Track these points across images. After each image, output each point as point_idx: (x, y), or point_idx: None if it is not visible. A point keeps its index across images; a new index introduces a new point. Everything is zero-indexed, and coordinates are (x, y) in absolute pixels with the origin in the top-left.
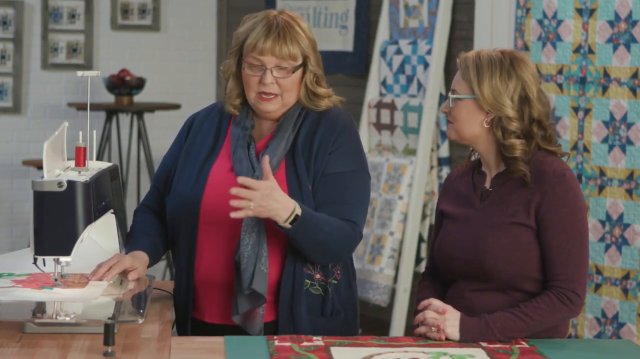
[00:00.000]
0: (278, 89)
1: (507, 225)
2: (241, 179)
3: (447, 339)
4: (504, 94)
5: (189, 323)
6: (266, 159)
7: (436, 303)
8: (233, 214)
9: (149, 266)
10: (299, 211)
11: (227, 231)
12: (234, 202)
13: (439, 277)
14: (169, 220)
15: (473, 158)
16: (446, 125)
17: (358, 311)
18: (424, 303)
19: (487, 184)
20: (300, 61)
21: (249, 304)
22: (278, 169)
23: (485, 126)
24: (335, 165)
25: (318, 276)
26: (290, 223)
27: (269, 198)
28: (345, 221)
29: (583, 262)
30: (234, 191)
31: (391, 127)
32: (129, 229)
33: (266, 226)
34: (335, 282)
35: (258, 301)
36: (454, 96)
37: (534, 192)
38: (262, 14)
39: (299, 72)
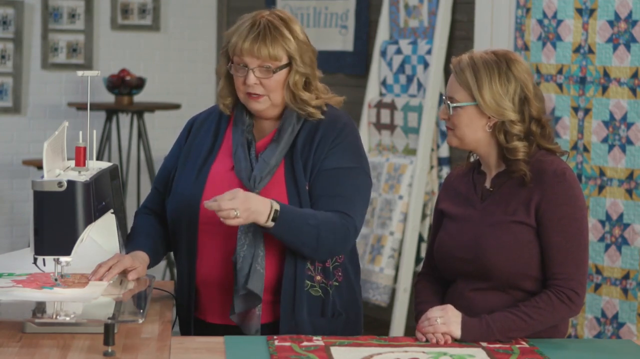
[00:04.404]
0: (263, 90)
1: (508, 224)
2: (208, 204)
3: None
4: (505, 98)
5: (191, 323)
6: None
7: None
8: (229, 222)
9: (149, 267)
10: (276, 206)
11: (226, 230)
12: (221, 214)
13: (437, 277)
14: (170, 220)
15: (472, 159)
16: (445, 131)
17: (361, 312)
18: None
19: (488, 184)
20: (284, 62)
21: (245, 305)
22: (277, 170)
23: (488, 130)
24: (332, 161)
25: (319, 277)
26: (273, 220)
27: (250, 199)
28: (337, 213)
29: (582, 261)
30: (208, 204)
31: (391, 127)
32: (129, 231)
33: None
34: (337, 284)
35: (254, 302)
36: (454, 105)
37: (534, 191)
38: (251, 15)
39: (284, 72)
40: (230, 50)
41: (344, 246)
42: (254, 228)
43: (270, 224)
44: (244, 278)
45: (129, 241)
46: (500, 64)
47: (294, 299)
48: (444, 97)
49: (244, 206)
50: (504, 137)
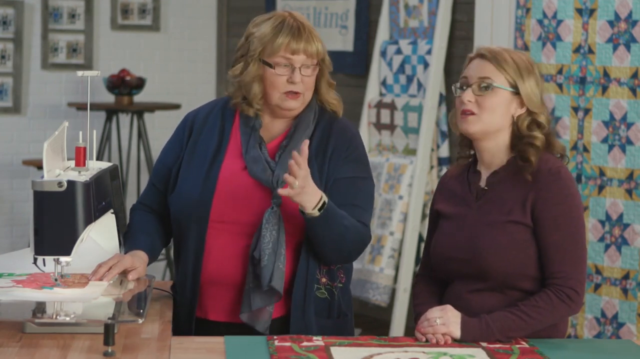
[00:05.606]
0: (303, 88)
1: (504, 223)
2: (295, 154)
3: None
4: (540, 95)
5: (193, 322)
6: (305, 143)
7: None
8: (280, 191)
9: (147, 265)
10: (325, 199)
11: (239, 229)
12: (289, 179)
13: (435, 278)
14: (174, 219)
15: (468, 153)
16: (458, 117)
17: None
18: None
19: (482, 183)
20: (317, 61)
21: (263, 302)
22: None
23: (514, 119)
24: (348, 170)
25: (324, 279)
26: (319, 210)
27: (309, 180)
28: (359, 222)
29: (581, 259)
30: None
31: (391, 127)
32: (126, 228)
33: (285, 225)
34: (341, 285)
35: (272, 299)
36: (495, 85)
37: (529, 189)
38: (278, 16)
39: (317, 71)
40: (274, 50)
41: (358, 254)
42: (279, 226)
43: (316, 213)
44: (268, 275)
45: (126, 239)
46: (534, 66)
47: (304, 300)
48: (465, 80)
49: (303, 185)
50: (527, 126)
